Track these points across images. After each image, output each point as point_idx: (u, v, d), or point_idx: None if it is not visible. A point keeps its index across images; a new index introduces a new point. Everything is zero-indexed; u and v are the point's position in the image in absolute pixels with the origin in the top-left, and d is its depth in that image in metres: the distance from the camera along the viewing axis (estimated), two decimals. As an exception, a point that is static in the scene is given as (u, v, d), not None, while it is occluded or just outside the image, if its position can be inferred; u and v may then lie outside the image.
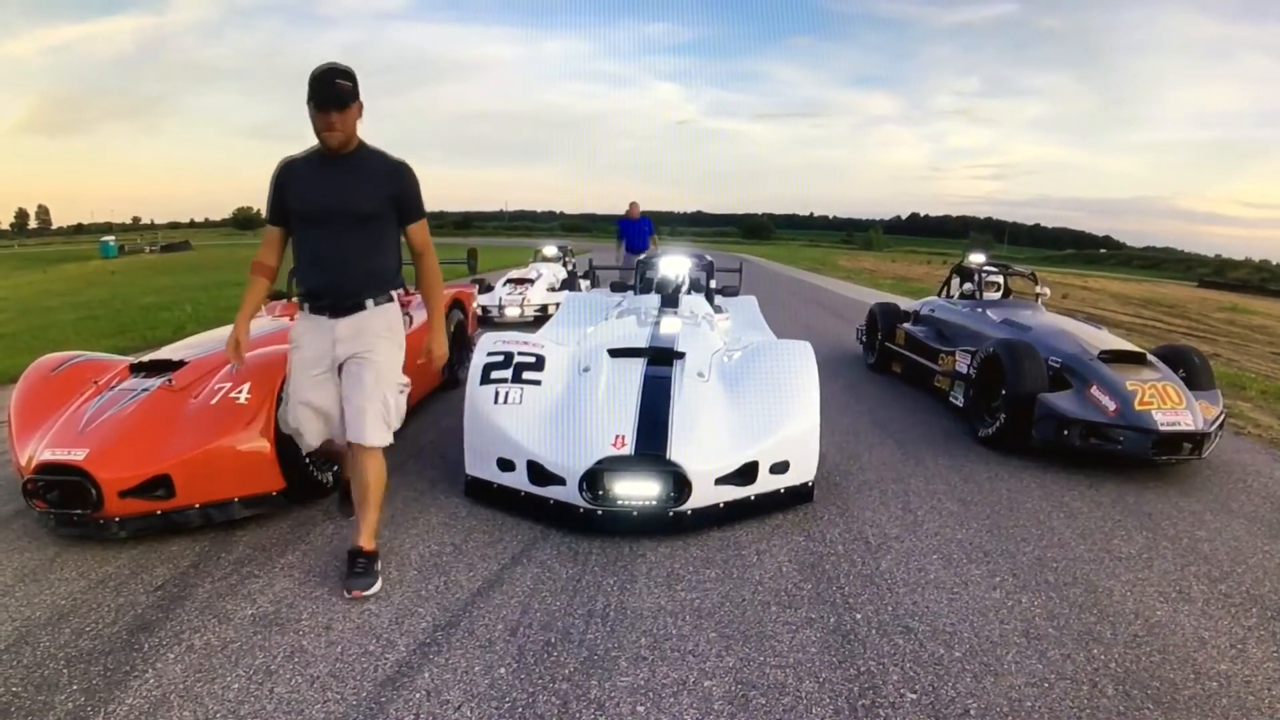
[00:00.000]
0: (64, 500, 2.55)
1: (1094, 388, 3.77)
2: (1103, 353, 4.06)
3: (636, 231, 9.12)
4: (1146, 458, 3.60)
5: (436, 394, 4.79)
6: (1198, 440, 3.60)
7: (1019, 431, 3.90)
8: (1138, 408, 3.60)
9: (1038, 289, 5.83)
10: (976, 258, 6.24)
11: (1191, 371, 4.12)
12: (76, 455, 2.54)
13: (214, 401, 2.80)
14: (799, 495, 3.09)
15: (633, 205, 9.34)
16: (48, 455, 2.56)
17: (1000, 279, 5.98)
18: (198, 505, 2.69)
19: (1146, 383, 3.74)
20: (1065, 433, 3.71)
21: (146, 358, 3.25)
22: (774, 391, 3.07)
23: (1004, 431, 3.98)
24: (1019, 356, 4.01)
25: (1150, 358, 4.13)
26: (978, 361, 4.39)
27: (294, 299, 4.46)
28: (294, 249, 2.43)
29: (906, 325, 6.00)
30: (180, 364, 3.08)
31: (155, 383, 2.95)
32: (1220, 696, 1.94)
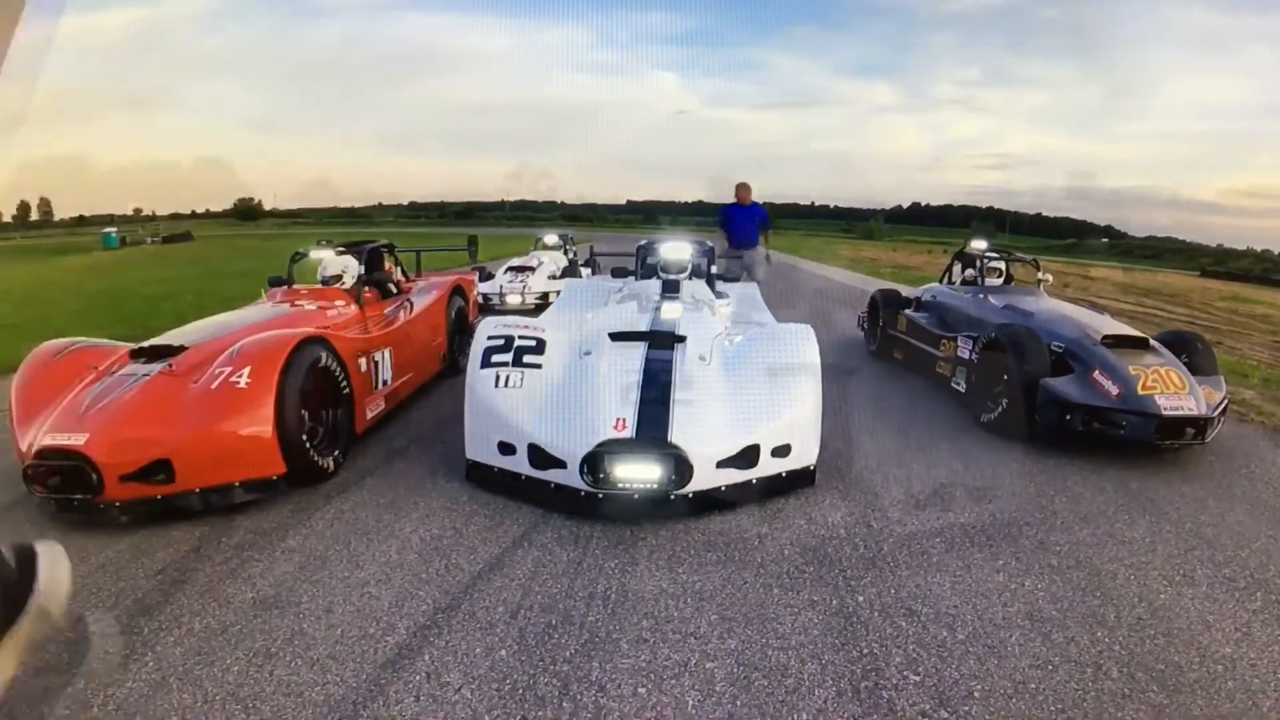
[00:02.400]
0: (64, 485, 2.55)
1: (1097, 372, 3.75)
2: (1105, 337, 4.04)
3: (746, 219, 7.15)
4: (1149, 442, 3.58)
5: (437, 380, 4.78)
6: (1201, 425, 3.58)
7: (1021, 416, 3.88)
8: (1141, 392, 3.58)
9: (1039, 275, 5.80)
10: (978, 244, 6.20)
11: (1194, 357, 4.09)
12: (77, 440, 2.54)
13: (214, 386, 2.78)
14: (800, 479, 3.08)
15: (743, 187, 7.18)
16: (48, 440, 2.55)
17: (1002, 265, 5.94)
18: (198, 490, 2.69)
19: (1149, 368, 3.72)
20: (1068, 417, 3.69)
21: (147, 343, 3.23)
22: (775, 375, 3.05)
23: (1006, 416, 3.96)
24: (1021, 341, 3.99)
25: (1153, 343, 4.10)
26: (979, 347, 4.37)
27: (295, 285, 4.40)
28: None
29: (908, 311, 5.97)
30: (180, 349, 3.07)
31: (156, 368, 2.94)
32: (1225, 679, 1.93)
